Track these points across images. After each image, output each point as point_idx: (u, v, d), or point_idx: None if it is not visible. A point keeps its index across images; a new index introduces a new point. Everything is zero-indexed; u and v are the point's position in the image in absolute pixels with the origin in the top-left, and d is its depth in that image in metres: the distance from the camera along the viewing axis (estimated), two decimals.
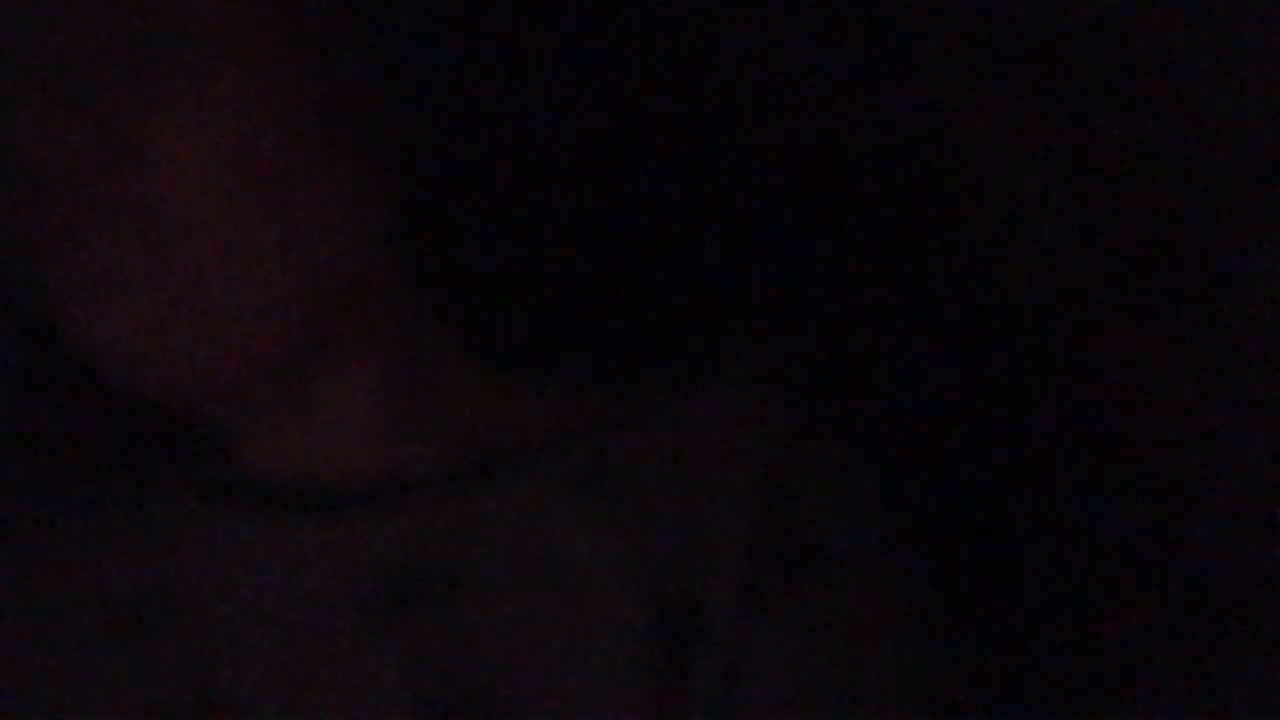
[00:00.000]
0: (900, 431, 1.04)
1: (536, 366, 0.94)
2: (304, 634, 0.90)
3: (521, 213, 0.91)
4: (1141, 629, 1.06)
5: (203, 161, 0.86)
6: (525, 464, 0.92)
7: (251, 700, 0.90)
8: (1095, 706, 1.05)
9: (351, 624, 0.90)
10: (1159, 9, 1.04)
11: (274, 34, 0.87)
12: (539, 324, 0.93)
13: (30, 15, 0.87)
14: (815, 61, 1.07)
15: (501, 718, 0.88)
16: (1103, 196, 1.06)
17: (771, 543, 0.88)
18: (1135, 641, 1.06)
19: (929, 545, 0.95)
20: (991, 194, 1.07)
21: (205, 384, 0.89)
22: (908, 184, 1.07)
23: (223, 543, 0.93)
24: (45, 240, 0.87)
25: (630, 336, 0.95)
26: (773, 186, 1.06)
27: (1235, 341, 1.05)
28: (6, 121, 0.86)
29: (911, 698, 0.89)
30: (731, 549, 0.88)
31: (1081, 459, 1.07)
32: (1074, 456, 1.07)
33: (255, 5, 0.87)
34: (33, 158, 0.86)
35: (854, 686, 0.88)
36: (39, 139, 0.86)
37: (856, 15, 1.07)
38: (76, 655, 0.94)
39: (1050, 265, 1.07)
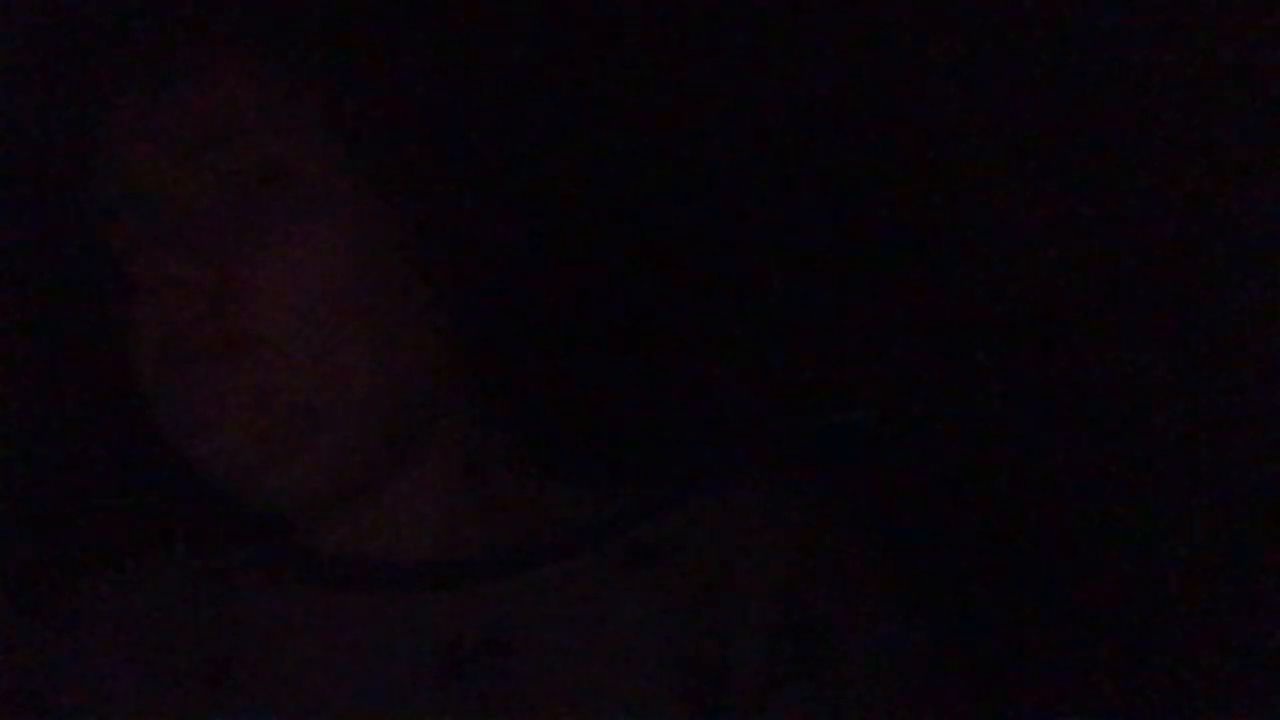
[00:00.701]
0: (911, 505, 1.11)
1: (580, 466, 1.04)
2: (369, 698, 0.98)
3: (570, 340, 1.01)
4: (1145, 652, 1.10)
5: (300, 295, 0.96)
6: (570, 548, 1.01)
7: None
8: None
9: (413, 689, 0.98)
10: (1152, 11, 1.06)
11: (357, 178, 0.98)
12: (583, 431, 1.03)
13: (151, 162, 0.98)
14: (806, 70, 1.12)
15: None
16: (1094, 200, 1.09)
17: (789, 630, 0.97)
18: (1139, 670, 1.10)
19: (934, 603, 1.02)
20: (987, 202, 1.11)
21: (300, 494, 0.98)
22: (902, 192, 1.12)
23: (294, 614, 1.01)
24: (165, 366, 0.98)
25: (663, 439, 1.05)
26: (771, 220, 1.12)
27: (1231, 343, 1.08)
28: (135, 262, 0.97)
29: None
30: (758, 626, 0.97)
31: (1083, 490, 1.11)
32: (1076, 490, 1.11)
33: (340, 152, 0.98)
34: (156, 293, 0.96)
35: None
36: (160, 276, 0.96)
37: (847, 23, 1.11)
38: (160, 702, 1.01)
39: (1041, 271, 1.10)
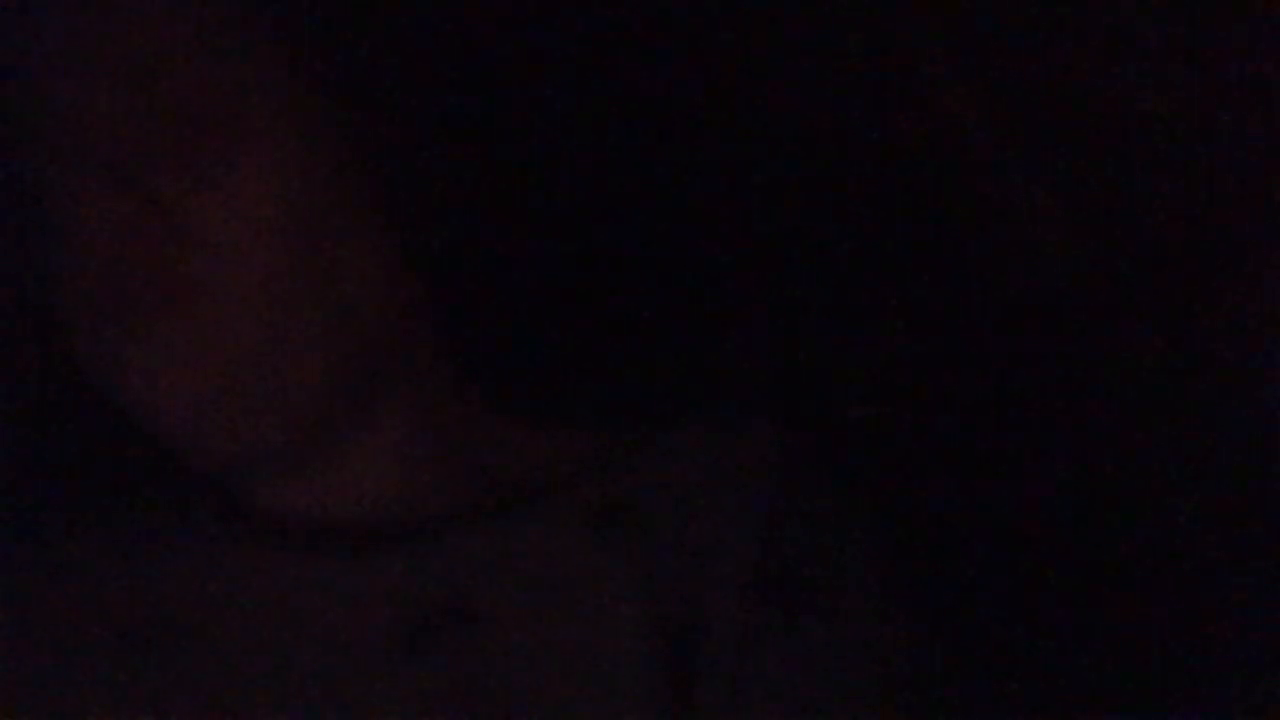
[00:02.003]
0: (890, 454, 1.08)
1: (545, 411, 0.99)
2: (327, 666, 0.94)
3: (531, 276, 0.97)
4: (1136, 635, 1.08)
5: (246, 238, 0.91)
6: (538, 502, 0.97)
7: None
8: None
9: (375, 656, 0.94)
10: (1156, 10, 1.05)
11: (303, 113, 0.92)
12: (548, 375, 0.99)
13: (80, 96, 0.92)
14: (813, 67, 1.09)
15: None
16: (1102, 196, 1.08)
17: (769, 578, 0.94)
18: (1131, 649, 1.08)
19: (919, 564, 0.98)
20: (991, 196, 1.09)
21: (250, 448, 0.94)
22: (906, 188, 1.09)
23: (247, 576, 0.97)
24: (104, 315, 0.92)
25: (633, 380, 1.01)
26: (768, 195, 1.09)
27: (1237, 340, 1.06)
28: (71, 199, 0.91)
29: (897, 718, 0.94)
30: (732, 583, 0.94)
31: (1082, 467, 1.08)
32: (1074, 465, 1.09)
33: (284, 85, 0.92)
34: (93, 237, 0.91)
35: (845, 710, 0.93)
36: (95, 217, 0.91)
37: (855, 20, 1.08)
38: (96, 663, 0.96)
39: (1051, 266, 1.09)
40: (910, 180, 1.08)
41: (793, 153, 1.09)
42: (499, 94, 0.95)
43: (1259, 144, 1.04)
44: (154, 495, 1.01)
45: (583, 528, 0.95)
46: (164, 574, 0.98)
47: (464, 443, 0.98)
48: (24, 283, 0.96)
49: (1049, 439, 1.09)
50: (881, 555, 0.97)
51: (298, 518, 0.97)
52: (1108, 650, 1.07)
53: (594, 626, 0.93)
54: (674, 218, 1.05)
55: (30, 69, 0.93)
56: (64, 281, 0.93)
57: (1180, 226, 1.06)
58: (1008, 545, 1.08)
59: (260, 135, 0.91)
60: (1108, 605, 1.07)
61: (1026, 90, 1.07)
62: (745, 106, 1.08)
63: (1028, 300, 1.09)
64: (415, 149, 0.94)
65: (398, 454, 0.97)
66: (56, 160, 0.93)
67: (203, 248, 0.91)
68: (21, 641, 0.97)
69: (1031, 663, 1.06)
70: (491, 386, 0.98)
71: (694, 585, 0.94)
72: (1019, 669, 1.05)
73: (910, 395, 1.09)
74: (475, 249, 0.95)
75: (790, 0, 1.08)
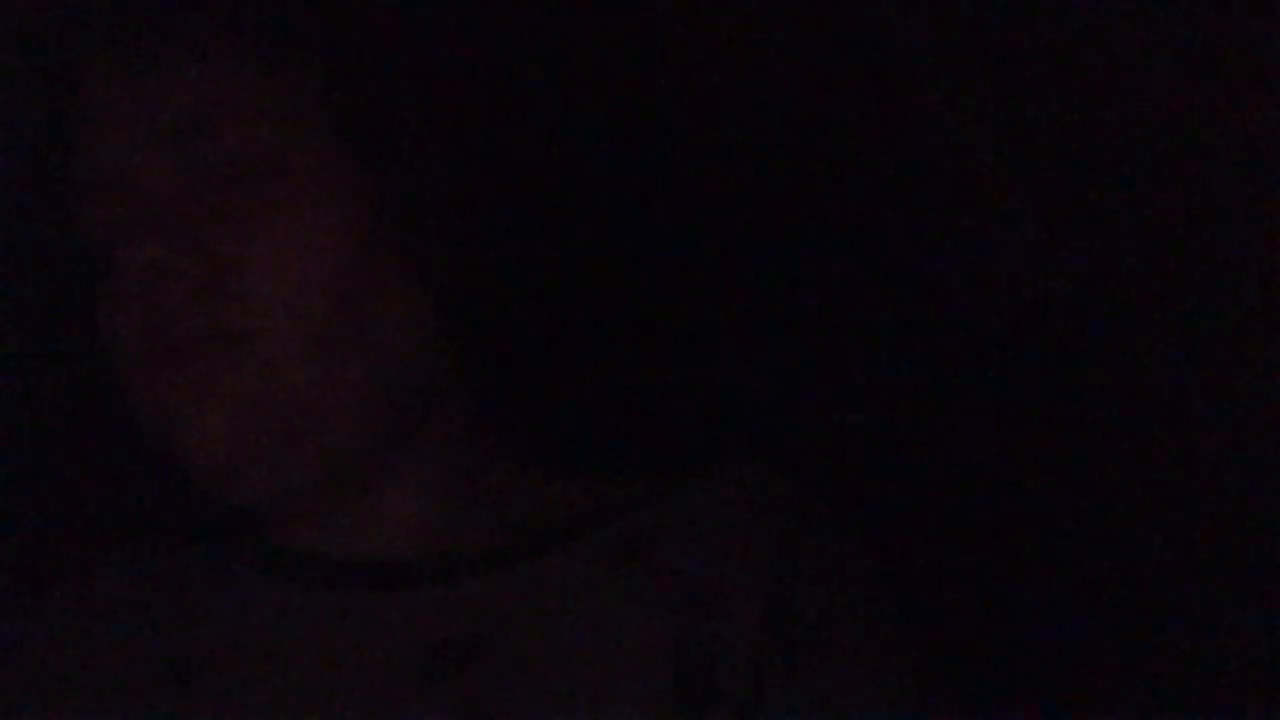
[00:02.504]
0: (893, 498, 1.11)
1: (567, 459, 1.02)
2: (354, 698, 0.96)
3: (552, 329, 1.00)
4: (1138, 645, 1.10)
5: (290, 289, 0.94)
6: (559, 542, 0.99)
7: None
8: None
9: (401, 689, 0.95)
10: (1149, 14, 1.06)
11: (352, 169, 0.96)
12: (571, 423, 1.02)
13: (131, 147, 0.95)
14: (805, 74, 1.11)
15: None
16: (1094, 201, 1.09)
17: (778, 621, 0.96)
18: (1133, 659, 1.10)
19: (925, 607, 1.02)
20: (982, 201, 1.10)
21: (281, 490, 0.96)
22: (899, 194, 1.11)
23: (267, 614, 0.99)
24: (147, 359, 0.95)
25: (652, 428, 1.05)
26: (767, 224, 1.12)
27: (1231, 343, 1.07)
28: (116, 249, 0.95)
29: None
30: (743, 624, 0.96)
31: (1080, 490, 1.11)
32: (1073, 491, 1.11)
33: (327, 142, 0.96)
34: (137, 283, 0.94)
35: None
36: (141, 264, 0.94)
37: (846, 27, 1.10)
38: (128, 700, 0.98)
39: (1042, 272, 1.10)
40: (907, 188, 1.11)
41: (793, 171, 1.11)
42: (533, 155, 0.99)
43: (1258, 144, 1.05)
44: (181, 531, 1.03)
45: (601, 568, 0.98)
46: (196, 611, 1.00)
47: (486, 486, 1.01)
48: (72, 321, 0.99)
49: (1054, 471, 1.11)
50: (887, 597, 0.99)
51: (324, 555, 1.00)
52: (1112, 679, 1.09)
53: (611, 664, 0.95)
54: (680, 259, 1.08)
55: (80, 120, 0.97)
56: (114, 330, 0.96)
57: (1178, 230, 1.07)
58: (1015, 590, 1.11)
59: (303, 190, 0.95)
60: (1111, 624, 1.10)
61: (1021, 96, 1.08)
62: (742, 119, 1.11)
63: (1025, 312, 1.11)
64: (451, 208, 0.97)
65: (423, 495, 1.00)
66: (104, 209, 0.96)
67: (244, 297, 0.94)
68: (50, 680, 1.00)
69: (1038, 701, 1.09)
70: (515, 435, 1.02)
71: (707, 625, 0.96)
72: (1026, 707, 1.08)
73: (915, 434, 1.12)
74: (504, 303, 0.98)
75: (788, 12, 1.10)
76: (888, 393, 1.12)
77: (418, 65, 0.96)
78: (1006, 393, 1.11)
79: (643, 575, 0.97)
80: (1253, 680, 1.06)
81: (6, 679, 1.00)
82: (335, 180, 0.95)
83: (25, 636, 1.02)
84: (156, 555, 1.04)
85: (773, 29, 1.11)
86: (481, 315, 0.98)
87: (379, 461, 0.98)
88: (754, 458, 1.02)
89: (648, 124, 1.06)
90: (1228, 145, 1.05)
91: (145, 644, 1.00)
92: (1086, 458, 1.11)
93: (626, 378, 1.04)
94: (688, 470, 1.01)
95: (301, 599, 0.99)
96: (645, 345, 1.05)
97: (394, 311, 0.97)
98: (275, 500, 0.97)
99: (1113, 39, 1.06)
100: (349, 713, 0.96)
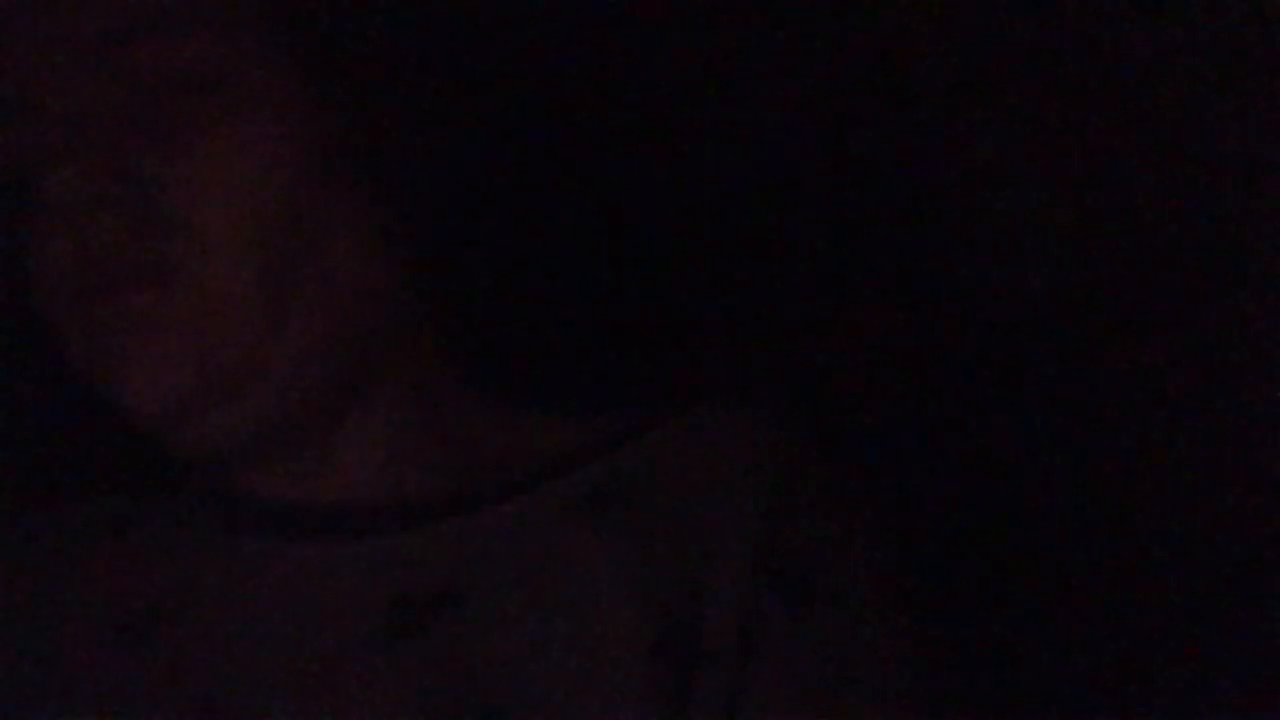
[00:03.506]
0: (894, 446, 1.07)
1: (539, 397, 0.97)
2: (314, 649, 0.91)
3: (521, 258, 0.95)
4: (1134, 633, 1.07)
5: (231, 217, 0.88)
6: (532, 487, 0.94)
7: (254, 710, 0.90)
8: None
9: (363, 641, 0.91)
10: (1155, 16, 1.05)
11: (296, 84, 0.90)
12: (540, 358, 0.97)
13: (45, 64, 0.89)
14: (814, 72, 1.09)
15: None
16: (1103, 201, 1.07)
17: (770, 568, 0.90)
18: (1127, 646, 1.07)
19: (922, 557, 0.96)
20: (992, 200, 1.08)
21: (234, 435, 0.91)
22: (907, 191, 1.09)
23: (226, 566, 0.94)
24: (80, 297, 0.89)
25: (629, 363, 0.99)
26: (770, 199, 1.08)
27: (1236, 343, 1.06)
28: (40, 178, 0.89)
29: (903, 711, 0.91)
30: (732, 573, 0.90)
31: (1080, 465, 1.08)
32: (1072, 463, 1.08)
33: (265, 58, 0.89)
34: (66, 215, 0.88)
35: (848, 702, 0.90)
36: (69, 194, 0.88)
37: (854, 26, 1.08)
38: (83, 656, 0.94)
39: (1052, 270, 1.08)
40: (911, 184, 1.08)
41: (792, 153, 1.08)
42: (491, 77, 0.93)
43: (1258, 145, 1.04)
44: (138, 483, 0.99)
45: (575, 514, 0.92)
46: (151, 562, 0.96)
47: (454, 428, 0.96)
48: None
49: (1046, 433, 1.08)
50: (883, 544, 0.94)
51: (285, 503, 0.95)
52: (1106, 639, 1.06)
53: (587, 613, 0.90)
54: (671, 211, 1.04)
55: None
56: (40, 264, 0.91)
57: (1179, 229, 1.06)
58: (1007, 538, 1.07)
59: (241, 107, 0.89)
60: (1105, 598, 1.07)
61: (1025, 95, 1.07)
62: (743, 108, 1.08)
63: (1027, 302, 1.08)
64: (404, 130, 0.92)
65: (388, 439, 0.95)
66: (25, 134, 0.90)
67: (179, 227, 0.88)
68: (8, 636, 0.95)
69: (1032, 651, 1.06)
70: (482, 372, 0.96)
71: (692, 575, 0.90)
72: (1020, 658, 1.05)
73: (911, 390, 1.08)
74: (466, 233, 0.93)
75: (792, 11, 1.08)
76: (888, 368, 1.09)
77: None
78: (1008, 389, 1.09)
79: (620, 523, 0.92)
80: (1253, 680, 1.04)
81: None
82: (277, 96, 0.89)
83: None
84: (108, 506, 0.99)
85: (773, 29, 1.09)
86: (440, 244, 0.92)
87: (337, 405, 0.93)
88: (739, 397, 0.96)
89: (628, 53, 1.02)
90: (1231, 145, 1.04)
91: (94, 602, 0.95)
92: (1086, 456, 1.09)
93: (598, 312, 0.98)
94: (668, 410, 0.95)
95: (260, 550, 0.94)
96: (617, 275, 0.99)
97: (346, 242, 0.91)
98: (225, 447, 0.91)
99: (1115, 39, 1.05)
100: (312, 668, 0.90)
